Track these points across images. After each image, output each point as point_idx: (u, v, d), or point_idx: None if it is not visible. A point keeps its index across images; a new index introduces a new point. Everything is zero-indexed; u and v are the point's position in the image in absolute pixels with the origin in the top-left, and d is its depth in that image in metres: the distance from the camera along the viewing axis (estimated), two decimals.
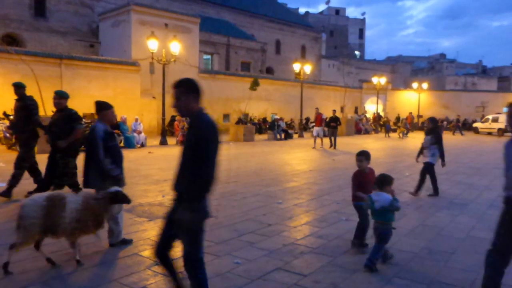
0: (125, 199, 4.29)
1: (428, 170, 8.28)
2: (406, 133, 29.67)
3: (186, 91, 3.01)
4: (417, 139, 27.53)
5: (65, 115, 6.64)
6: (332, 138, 18.95)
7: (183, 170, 2.99)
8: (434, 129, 8.46)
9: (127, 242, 4.96)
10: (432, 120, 8.80)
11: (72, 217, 4.02)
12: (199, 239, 3.04)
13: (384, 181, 4.44)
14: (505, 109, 33.72)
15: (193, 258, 3.04)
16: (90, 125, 16.10)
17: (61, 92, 6.92)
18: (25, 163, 7.39)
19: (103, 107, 4.88)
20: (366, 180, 4.88)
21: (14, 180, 7.25)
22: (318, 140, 19.18)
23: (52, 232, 4.05)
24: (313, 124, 23.49)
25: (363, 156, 4.96)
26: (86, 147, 4.80)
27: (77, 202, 4.10)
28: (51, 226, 3.99)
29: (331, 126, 19.22)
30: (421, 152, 8.55)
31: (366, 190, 4.71)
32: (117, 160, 4.77)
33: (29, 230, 3.90)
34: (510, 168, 3.46)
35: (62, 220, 3.99)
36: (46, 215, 3.93)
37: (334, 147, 18.65)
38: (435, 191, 8.35)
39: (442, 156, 8.30)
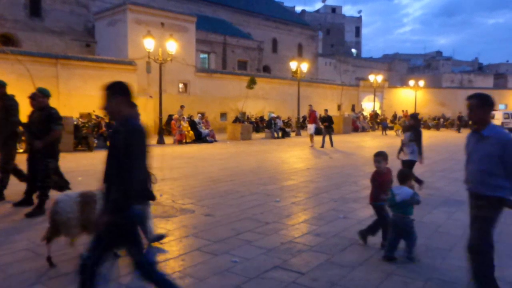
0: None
1: (409, 167, 7.98)
2: (402, 131, 29.66)
3: (115, 94, 2.96)
4: None
5: (45, 114, 6.33)
6: (327, 137, 18.54)
7: (110, 176, 2.93)
8: (414, 125, 8.29)
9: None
10: (414, 116, 8.68)
11: None
12: (139, 243, 2.99)
13: (405, 176, 4.74)
14: (501, 106, 33.72)
15: (145, 264, 2.98)
16: (87, 125, 16.14)
17: (44, 90, 6.57)
18: (8, 165, 7.12)
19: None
20: (384, 180, 4.96)
21: (2, 183, 7.08)
22: (314, 138, 18.87)
23: (86, 228, 4.14)
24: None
25: (381, 156, 5.02)
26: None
27: None
28: (86, 222, 4.07)
29: (324, 125, 18.89)
30: (401, 149, 8.34)
31: (384, 190, 4.81)
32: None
33: (68, 225, 4.02)
34: (470, 161, 3.47)
35: (95, 216, 4.02)
36: (80, 211, 4.05)
37: (331, 145, 18.29)
38: (419, 182, 8.19)
39: (420, 153, 8.10)
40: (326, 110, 19.87)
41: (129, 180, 2.81)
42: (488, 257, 3.43)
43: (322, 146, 17.94)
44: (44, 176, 6.32)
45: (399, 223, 4.53)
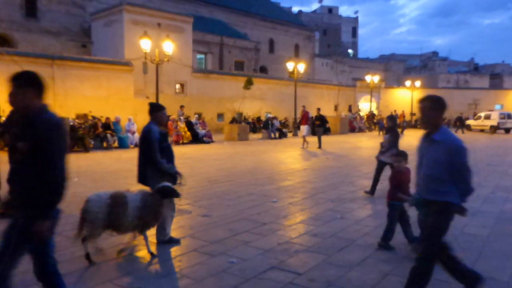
0: (174, 193, 4.47)
1: (379, 167, 7.98)
2: (402, 131, 29.84)
3: (24, 86, 2.67)
4: (411, 136, 27.68)
5: None
6: (321, 137, 18.25)
7: (22, 177, 2.68)
8: (392, 127, 8.16)
9: (175, 242, 5.03)
10: (391, 118, 8.53)
11: (134, 215, 4.24)
12: (51, 246, 2.86)
13: None
14: (497, 106, 33.83)
15: (50, 269, 2.88)
16: (83, 126, 16.09)
17: None
18: None
19: (156, 109, 5.00)
20: (403, 180, 4.98)
21: None
22: (307, 139, 18.33)
23: (114, 229, 4.29)
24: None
25: (401, 156, 5.07)
26: (140, 147, 4.96)
27: (137, 200, 4.31)
28: (113, 223, 4.21)
29: (316, 125, 18.63)
30: (381, 150, 8.16)
31: (403, 190, 4.86)
32: (170, 159, 4.95)
33: (94, 223, 4.15)
34: (421, 165, 3.35)
35: (125, 218, 4.21)
36: (109, 212, 4.15)
37: (319, 147, 17.76)
38: (372, 190, 7.98)
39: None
40: (318, 109, 19.52)
41: (54, 178, 2.65)
42: (430, 266, 3.30)
43: (320, 147, 17.74)
44: None
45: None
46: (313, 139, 18.79)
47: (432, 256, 3.30)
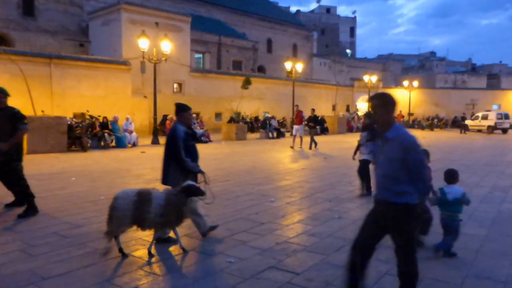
0: (198, 192, 4.51)
1: (363, 167, 7.93)
2: None
3: None
4: None
5: (7, 114, 6.01)
6: (314, 137, 17.89)
7: None
8: (370, 125, 8.06)
9: (214, 228, 5.27)
10: (368, 115, 8.43)
11: (156, 212, 4.30)
12: None
13: (454, 176, 4.77)
14: (494, 107, 33.87)
15: None
16: (81, 125, 16.05)
17: (4, 89, 6.17)
18: None
19: (182, 109, 5.12)
20: None
21: None
22: (298, 140, 17.93)
23: (138, 225, 4.39)
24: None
25: (424, 155, 5.04)
26: (166, 146, 5.03)
27: (161, 198, 4.39)
28: (138, 219, 4.31)
29: (309, 126, 18.29)
30: (357, 149, 8.18)
31: None
32: (194, 158, 5.06)
33: (121, 220, 4.27)
34: (378, 166, 3.29)
35: (148, 214, 4.30)
36: (136, 208, 4.26)
37: (313, 147, 17.38)
38: (368, 190, 7.90)
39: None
40: (313, 110, 19.12)
41: None
42: (414, 266, 3.27)
43: (315, 146, 17.55)
44: (18, 179, 6.17)
45: (448, 221, 4.65)
46: (306, 139, 18.39)
47: (413, 257, 3.26)
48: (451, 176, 4.78)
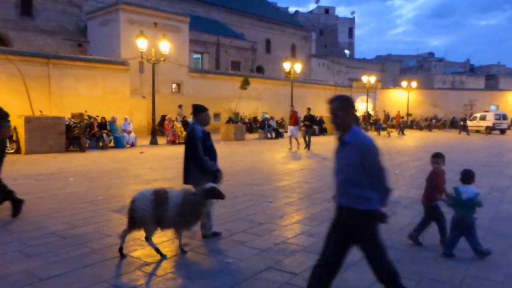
0: (219, 195, 4.55)
1: None
2: (402, 132, 29.96)
3: None
4: (412, 137, 27.77)
5: None
6: (307, 138, 17.69)
7: None
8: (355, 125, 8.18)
9: (217, 235, 5.26)
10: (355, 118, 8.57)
11: (174, 211, 4.37)
12: None
13: (470, 176, 4.78)
14: (492, 107, 33.85)
15: None
16: (79, 125, 16.01)
17: None
18: None
19: (199, 110, 5.22)
20: (440, 181, 5.07)
21: None
22: (294, 141, 17.75)
23: (158, 224, 4.44)
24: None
25: (440, 158, 5.13)
26: (186, 146, 5.13)
27: (178, 197, 4.45)
28: (157, 218, 4.38)
29: (305, 125, 18.04)
30: None
31: (440, 191, 4.97)
32: (213, 157, 5.15)
33: (144, 221, 4.34)
34: (337, 170, 3.19)
35: (166, 214, 4.37)
36: (154, 207, 4.34)
37: (308, 148, 17.39)
38: None
39: None
40: (308, 109, 18.78)
41: None
42: (389, 267, 3.20)
43: (308, 148, 17.22)
44: None
45: (463, 221, 4.65)
46: (301, 140, 18.22)
47: (385, 259, 3.18)
48: (467, 176, 4.79)
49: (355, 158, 2.99)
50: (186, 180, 5.15)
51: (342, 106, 3.13)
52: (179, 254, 4.68)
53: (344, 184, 3.12)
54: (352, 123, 3.14)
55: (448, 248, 4.71)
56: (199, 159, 4.96)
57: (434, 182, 5.08)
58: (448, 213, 5.06)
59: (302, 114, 19.66)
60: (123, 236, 4.54)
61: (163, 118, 22.21)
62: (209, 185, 4.56)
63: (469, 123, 34.23)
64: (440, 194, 4.98)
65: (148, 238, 4.51)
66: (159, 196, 4.40)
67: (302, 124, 18.97)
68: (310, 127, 18.35)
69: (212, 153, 5.14)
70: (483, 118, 33.28)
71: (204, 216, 4.88)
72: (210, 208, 4.87)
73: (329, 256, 3.21)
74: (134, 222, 4.43)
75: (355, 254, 4.70)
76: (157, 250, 4.55)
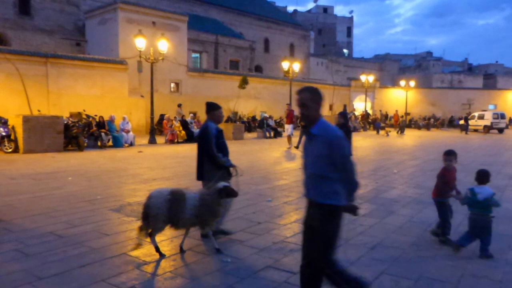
0: (232, 193, 4.58)
1: None
2: (402, 131, 29.97)
3: None
4: (406, 136, 27.79)
5: None
6: (303, 138, 17.45)
7: None
8: (344, 124, 8.02)
9: (227, 233, 5.27)
10: (342, 114, 8.36)
11: (191, 213, 4.40)
12: None
13: (485, 176, 4.79)
14: (491, 106, 33.85)
15: None
16: (77, 124, 15.98)
17: None
18: None
19: (213, 108, 5.32)
20: (452, 178, 5.13)
21: None
22: (294, 139, 17.57)
23: (173, 224, 4.47)
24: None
25: (453, 155, 5.17)
26: (199, 143, 5.21)
27: (195, 198, 4.47)
28: (172, 218, 4.40)
29: (301, 125, 18.18)
30: None
31: (451, 187, 5.05)
32: (225, 154, 5.21)
33: (157, 219, 4.37)
34: (306, 163, 3.13)
35: (182, 215, 4.39)
36: (169, 207, 4.35)
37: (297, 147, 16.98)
38: None
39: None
40: None
41: None
42: (318, 276, 3.07)
43: (297, 147, 16.84)
44: None
45: (479, 221, 4.68)
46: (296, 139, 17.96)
47: (320, 264, 3.05)
48: (483, 176, 4.80)
49: (323, 150, 2.91)
50: (200, 177, 5.20)
51: (312, 98, 3.03)
52: (180, 253, 4.67)
53: (312, 177, 3.04)
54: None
55: (462, 240, 4.74)
56: (213, 156, 5.03)
57: (445, 178, 5.13)
58: (459, 212, 5.08)
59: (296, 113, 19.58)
60: (153, 241, 4.57)
61: (162, 117, 22.19)
62: (221, 184, 4.57)
63: None
64: (451, 190, 5.04)
65: (152, 235, 4.51)
66: (176, 197, 4.42)
67: (298, 124, 18.95)
68: (306, 127, 18.20)
69: (224, 150, 5.21)
70: (481, 117, 33.34)
71: (223, 215, 4.96)
72: (228, 206, 4.99)
73: (304, 258, 3.16)
74: (147, 219, 4.44)
75: (353, 253, 4.73)
76: (157, 249, 4.55)
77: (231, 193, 4.59)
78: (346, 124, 8.17)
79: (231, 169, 5.20)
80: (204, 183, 5.02)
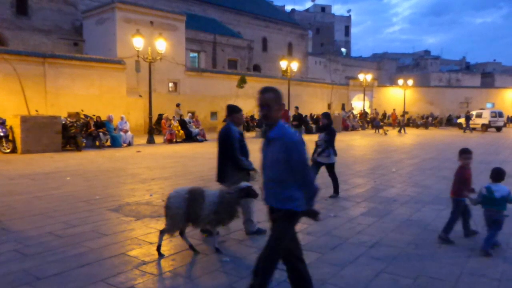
0: (254, 194, 4.59)
1: (316, 168, 7.77)
2: (404, 130, 29.91)
3: None
4: (413, 135, 27.82)
5: None
6: None
7: None
8: (328, 125, 7.90)
9: (261, 232, 5.29)
10: (326, 115, 8.17)
11: (210, 209, 4.42)
12: None
13: (501, 174, 4.84)
14: (488, 105, 33.91)
15: None
16: (75, 124, 15.95)
17: None
18: None
19: (234, 111, 5.36)
20: (468, 176, 5.20)
21: None
22: None
23: (192, 222, 4.51)
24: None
25: (470, 154, 5.24)
26: (220, 145, 5.21)
27: (214, 195, 4.51)
28: (192, 216, 4.44)
29: (293, 125, 17.72)
30: (315, 150, 7.90)
31: (467, 186, 5.11)
32: (247, 156, 5.30)
33: (174, 219, 4.42)
34: (264, 169, 3.08)
35: (201, 212, 4.43)
36: (188, 206, 4.40)
37: None
38: (336, 191, 7.81)
39: (335, 153, 7.80)
40: (296, 108, 18.33)
41: None
42: (266, 279, 3.05)
43: None
44: None
45: (494, 216, 4.72)
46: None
47: (271, 261, 3.06)
48: (498, 174, 4.84)
49: (280, 154, 2.85)
50: (221, 179, 5.21)
51: (275, 99, 2.98)
52: (179, 253, 4.67)
53: (270, 183, 2.99)
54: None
55: (487, 244, 4.74)
56: (237, 159, 5.07)
57: (462, 177, 5.17)
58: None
59: (291, 114, 19.50)
60: (185, 238, 4.66)
61: (160, 117, 22.16)
62: (244, 184, 4.61)
63: (465, 120, 34.33)
64: (468, 189, 5.07)
65: (163, 232, 4.54)
66: (194, 195, 4.47)
67: (290, 124, 19.01)
68: (298, 127, 18.15)
69: (245, 152, 5.27)
70: (479, 115, 33.39)
71: (240, 215, 4.93)
72: (247, 207, 5.05)
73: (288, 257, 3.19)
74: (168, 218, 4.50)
75: (351, 252, 4.74)
76: (159, 248, 4.57)
77: (251, 193, 4.59)
78: (329, 125, 7.95)
79: (251, 172, 5.22)
80: (225, 185, 5.00)
